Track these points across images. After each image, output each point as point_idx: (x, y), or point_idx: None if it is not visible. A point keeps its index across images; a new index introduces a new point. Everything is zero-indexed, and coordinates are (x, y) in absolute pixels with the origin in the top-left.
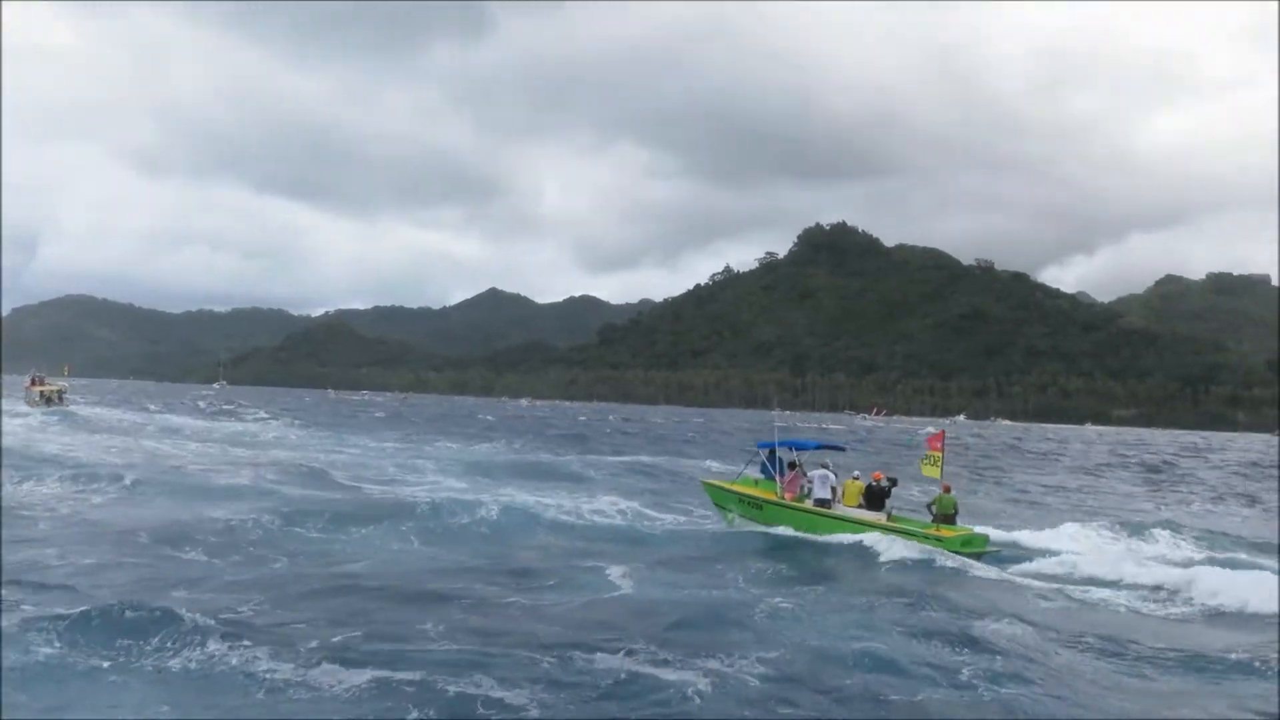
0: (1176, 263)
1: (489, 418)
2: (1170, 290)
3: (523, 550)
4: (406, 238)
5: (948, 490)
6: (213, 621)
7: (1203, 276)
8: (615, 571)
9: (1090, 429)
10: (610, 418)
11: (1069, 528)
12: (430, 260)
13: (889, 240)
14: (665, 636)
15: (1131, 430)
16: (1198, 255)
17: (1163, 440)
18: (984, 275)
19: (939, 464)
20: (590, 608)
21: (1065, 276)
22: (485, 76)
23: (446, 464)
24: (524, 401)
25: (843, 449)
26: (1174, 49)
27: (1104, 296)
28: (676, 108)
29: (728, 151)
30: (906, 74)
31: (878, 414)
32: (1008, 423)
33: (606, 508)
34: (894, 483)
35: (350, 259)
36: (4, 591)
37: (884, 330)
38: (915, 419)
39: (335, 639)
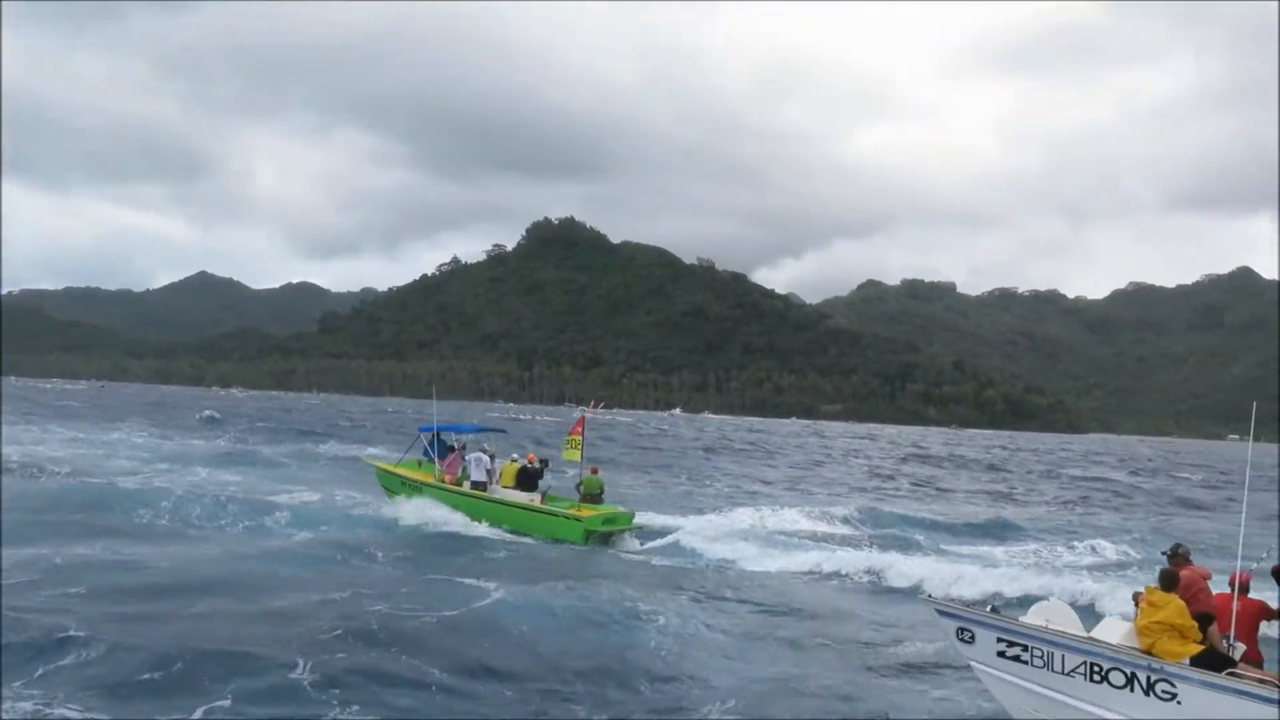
0: (876, 268)
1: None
2: (870, 294)
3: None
4: (103, 214)
5: (595, 471)
6: None
7: (898, 282)
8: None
9: (796, 423)
10: (332, 410)
11: (742, 512)
12: (130, 240)
13: (616, 237)
14: None
15: (837, 424)
16: (894, 262)
17: (860, 432)
18: (705, 274)
19: (579, 447)
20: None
21: (775, 278)
22: (191, 49)
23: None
24: (236, 391)
25: (503, 431)
26: (876, 71)
27: (812, 298)
28: (400, 96)
29: (453, 143)
30: (627, 74)
31: (596, 407)
32: (715, 416)
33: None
34: (545, 464)
35: (39, 236)
36: None
37: (610, 325)
38: (637, 412)
39: None
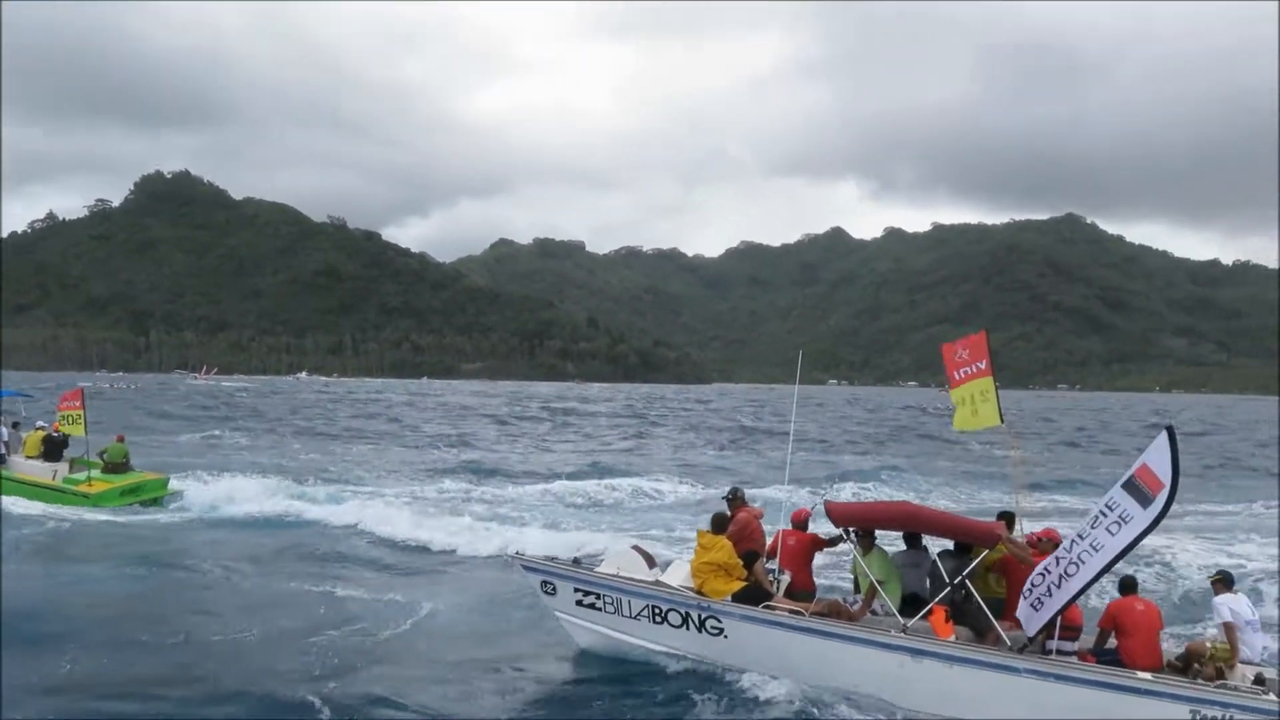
0: (505, 227)
1: None
2: (503, 253)
3: None
4: None
5: (121, 440)
6: None
7: (530, 241)
8: None
9: (429, 383)
10: None
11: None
12: None
13: (236, 192)
14: None
15: (477, 382)
16: (522, 221)
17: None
18: (337, 233)
19: (81, 421)
20: None
21: (404, 237)
22: None
23: None
24: None
25: (29, 396)
26: (496, 27)
27: (444, 257)
28: None
29: (39, 85)
30: (234, 15)
31: (208, 373)
32: (349, 379)
33: None
34: (67, 437)
35: None
36: None
37: (236, 286)
38: (262, 377)
39: None
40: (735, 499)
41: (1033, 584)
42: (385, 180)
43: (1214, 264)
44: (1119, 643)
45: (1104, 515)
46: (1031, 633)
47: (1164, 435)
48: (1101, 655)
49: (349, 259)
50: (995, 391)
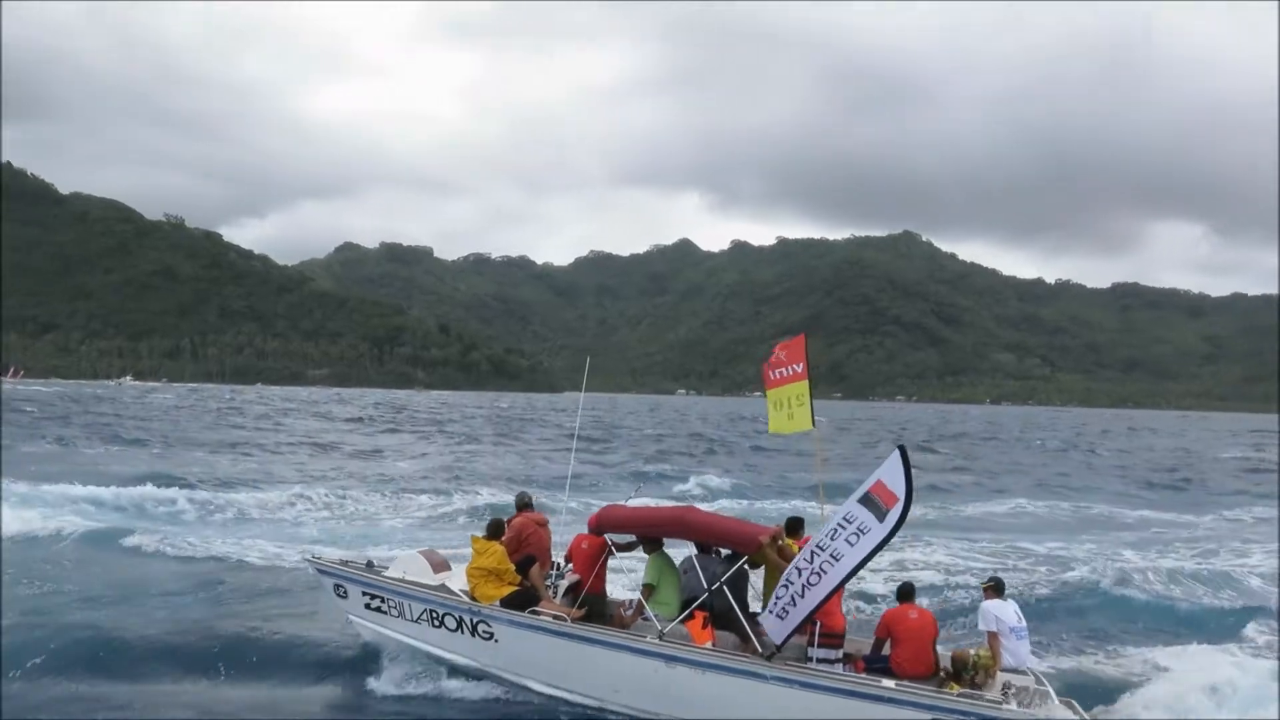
0: (349, 231)
1: None
2: (350, 256)
3: None
4: None
5: None
6: None
7: (377, 245)
8: None
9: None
10: None
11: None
12: None
13: (64, 187)
14: None
15: (327, 390)
16: (365, 225)
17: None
18: (174, 231)
19: None
20: None
21: (239, 238)
22: None
23: None
24: None
25: None
26: (337, 29)
27: (285, 260)
28: None
29: None
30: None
31: (15, 375)
32: (178, 385)
33: None
34: None
35: None
36: None
37: (64, 286)
38: (89, 382)
39: None
40: (523, 504)
41: (777, 595)
42: (220, 179)
43: (1039, 282)
44: (891, 650)
45: (843, 527)
46: (779, 641)
47: (897, 454)
48: (874, 662)
49: (187, 259)
50: (810, 396)
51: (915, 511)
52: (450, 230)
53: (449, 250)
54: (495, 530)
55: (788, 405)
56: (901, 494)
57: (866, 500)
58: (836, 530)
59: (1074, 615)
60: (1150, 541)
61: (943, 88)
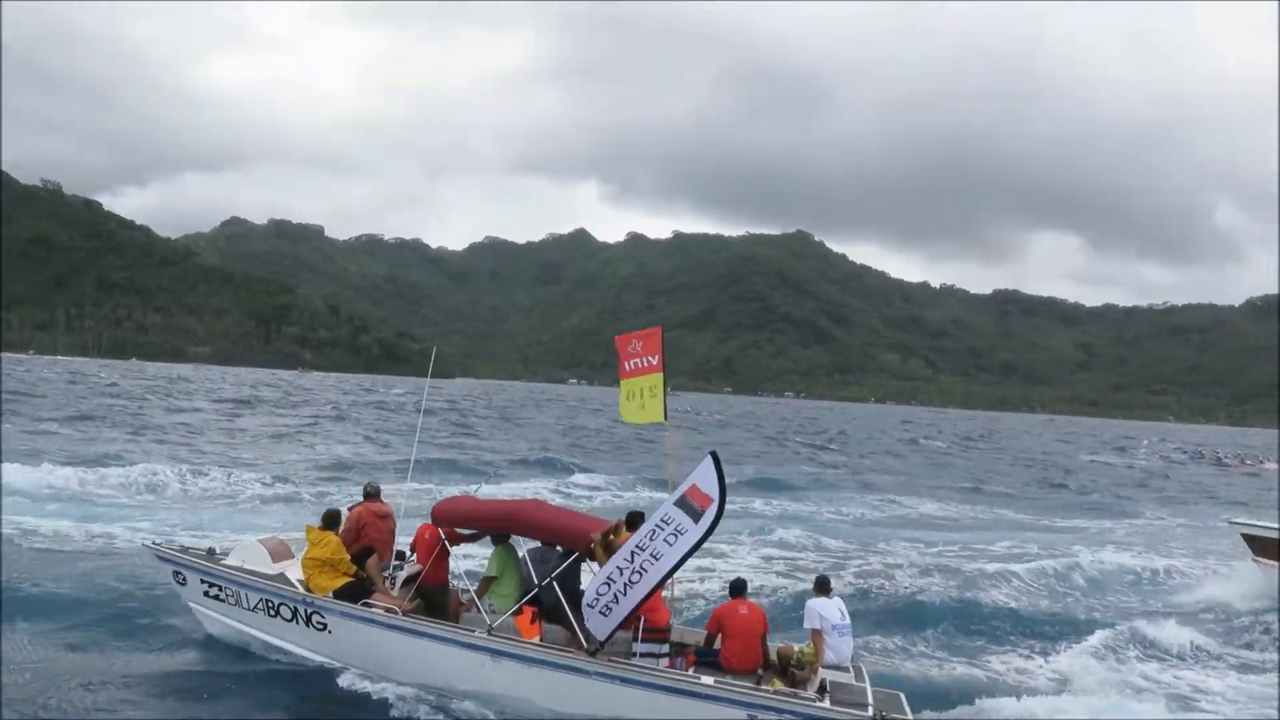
0: (236, 205)
1: None
2: (236, 231)
3: None
4: None
5: None
6: None
7: (265, 221)
8: None
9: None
10: None
11: None
12: None
13: None
14: None
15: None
16: (253, 199)
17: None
18: (51, 198)
19: None
20: None
21: (119, 207)
22: None
23: None
24: None
25: None
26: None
27: (166, 232)
28: None
29: None
30: None
31: None
32: (43, 357)
33: None
34: None
35: None
36: None
37: None
38: None
39: None
40: (367, 494)
41: (599, 593)
42: (102, 146)
43: (925, 286)
44: (721, 644)
45: (661, 528)
46: (602, 637)
47: (709, 459)
48: (705, 656)
49: (65, 228)
50: (664, 389)
51: (790, 505)
52: (343, 209)
53: (341, 230)
54: (330, 521)
55: (640, 396)
56: (715, 496)
57: (682, 503)
58: (655, 531)
59: (923, 617)
60: (1018, 544)
61: (840, 92)
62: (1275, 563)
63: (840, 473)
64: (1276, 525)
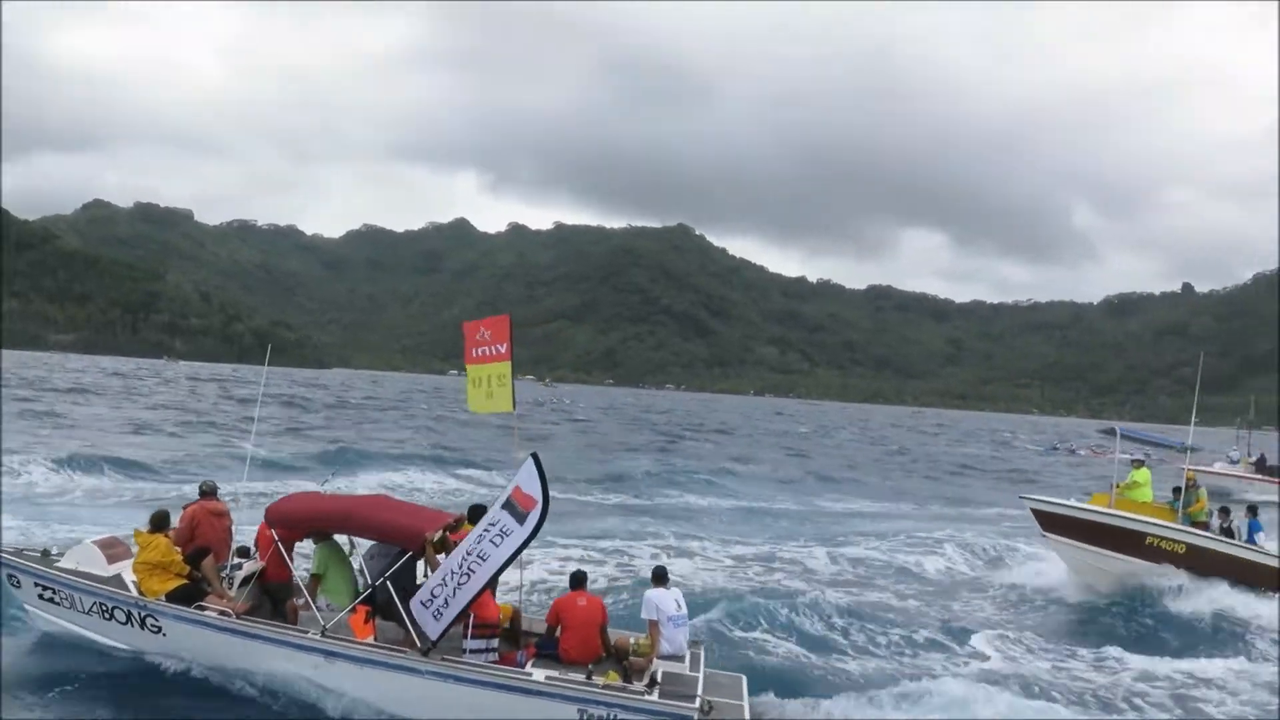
0: (98, 188)
1: None
2: (99, 214)
3: None
4: None
5: None
6: None
7: (131, 204)
8: None
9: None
10: None
11: None
12: None
13: None
14: None
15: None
16: (119, 182)
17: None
18: None
19: None
20: None
21: None
22: None
23: None
24: None
25: None
26: None
27: (24, 214)
28: None
29: None
30: None
31: None
32: None
33: None
34: None
35: None
36: None
37: None
38: None
39: None
40: (202, 493)
41: (432, 595)
42: None
43: (802, 281)
44: (560, 637)
45: (488, 531)
46: (434, 637)
47: (530, 461)
48: (545, 647)
49: None
50: (512, 378)
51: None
52: (211, 193)
53: (210, 214)
54: (158, 523)
55: (488, 384)
56: (539, 497)
57: (508, 505)
58: (483, 534)
59: (769, 607)
60: (868, 531)
61: (719, 87)
62: (1063, 537)
63: (692, 463)
64: (1065, 501)
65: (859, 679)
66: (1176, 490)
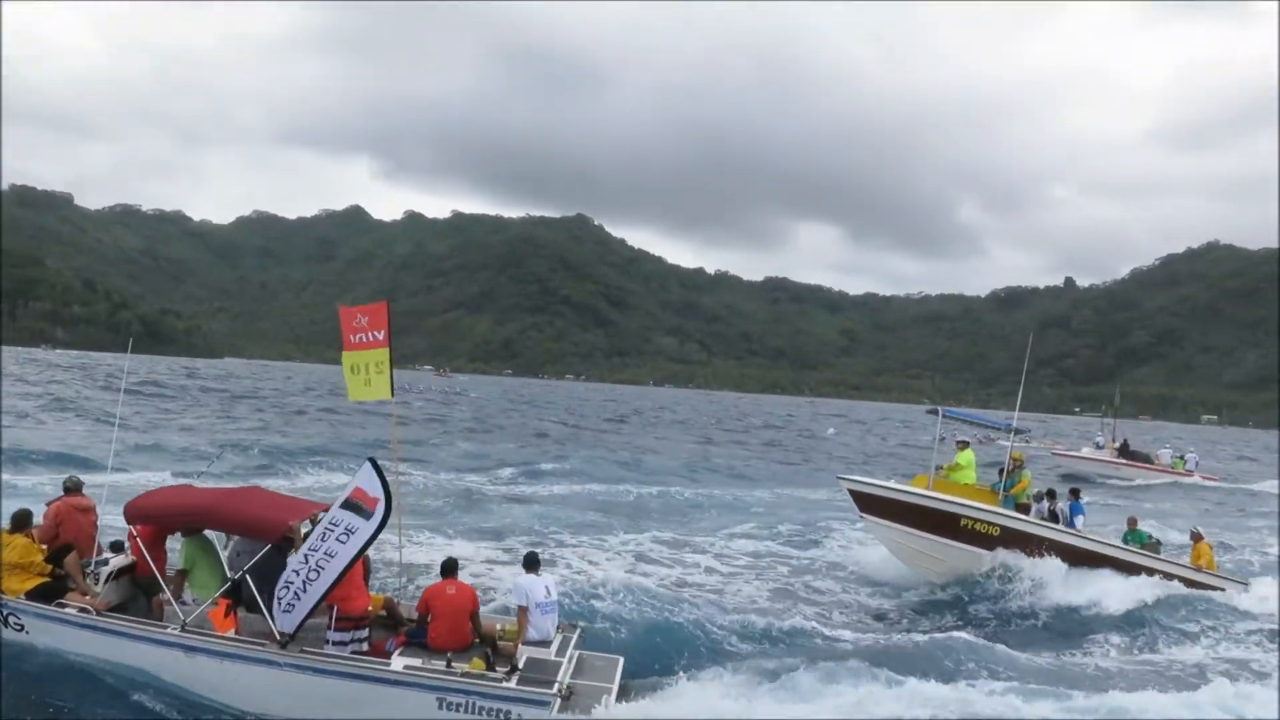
0: None
1: None
2: None
3: None
4: None
5: None
6: None
7: (5, 187)
8: None
9: None
10: None
11: None
12: None
13: None
14: None
15: None
16: None
17: None
18: None
19: None
20: None
21: None
22: None
23: None
24: None
25: None
26: None
27: None
28: None
29: None
30: None
31: None
32: None
33: None
34: None
35: None
36: None
37: None
38: None
39: None
40: (67, 489)
41: (281, 592)
42: None
43: (700, 272)
44: (430, 625)
45: (331, 530)
46: (290, 630)
47: (368, 464)
48: (415, 636)
49: None
50: (390, 365)
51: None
52: (91, 177)
53: (90, 199)
54: (20, 522)
55: (365, 371)
56: (381, 496)
57: (349, 505)
58: (326, 533)
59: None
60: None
61: (615, 77)
62: (880, 519)
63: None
64: (882, 482)
65: (723, 659)
66: (1001, 471)
